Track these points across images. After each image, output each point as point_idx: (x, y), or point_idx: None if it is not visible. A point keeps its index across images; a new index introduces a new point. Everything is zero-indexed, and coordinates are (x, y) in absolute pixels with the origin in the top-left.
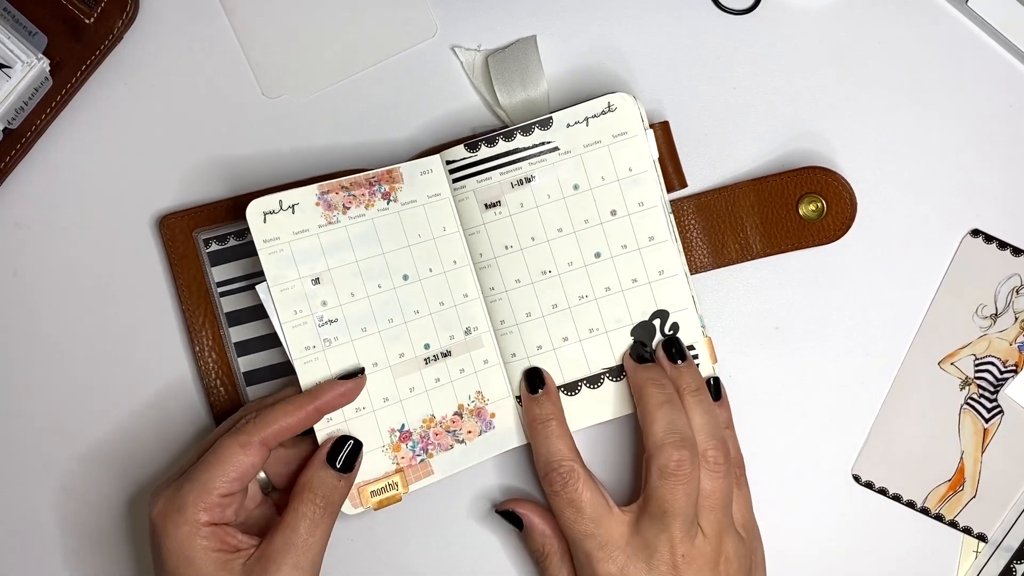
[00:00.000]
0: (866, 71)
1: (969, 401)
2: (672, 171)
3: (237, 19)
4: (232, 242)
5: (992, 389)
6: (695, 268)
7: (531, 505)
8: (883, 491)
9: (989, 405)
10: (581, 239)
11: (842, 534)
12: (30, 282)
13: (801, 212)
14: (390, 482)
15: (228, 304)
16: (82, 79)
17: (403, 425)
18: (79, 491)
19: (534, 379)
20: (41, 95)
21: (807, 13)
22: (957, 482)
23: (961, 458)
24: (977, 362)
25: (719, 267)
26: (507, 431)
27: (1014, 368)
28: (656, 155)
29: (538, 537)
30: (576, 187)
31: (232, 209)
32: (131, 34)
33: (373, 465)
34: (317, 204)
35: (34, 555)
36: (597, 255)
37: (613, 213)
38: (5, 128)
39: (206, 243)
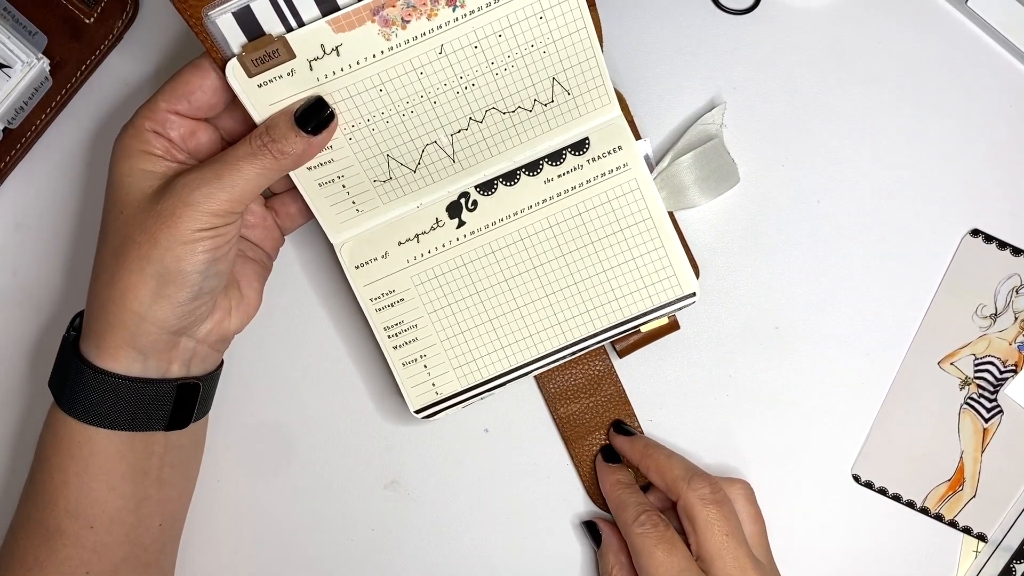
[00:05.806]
0: (866, 71)
1: (969, 401)
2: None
3: None
4: None
5: (992, 389)
6: None
7: (609, 524)
8: (883, 491)
9: (989, 405)
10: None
11: (842, 534)
12: (30, 282)
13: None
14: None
15: None
16: (82, 79)
17: None
18: None
19: (610, 454)
20: (41, 95)
21: (807, 13)
22: (957, 482)
23: (961, 458)
24: (977, 362)
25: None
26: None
27: (1014, 368)
28: None
29: (613, 556)
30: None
31: None
32: (131, 34)
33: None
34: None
35: None
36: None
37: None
38: (5, 128)
39: None
